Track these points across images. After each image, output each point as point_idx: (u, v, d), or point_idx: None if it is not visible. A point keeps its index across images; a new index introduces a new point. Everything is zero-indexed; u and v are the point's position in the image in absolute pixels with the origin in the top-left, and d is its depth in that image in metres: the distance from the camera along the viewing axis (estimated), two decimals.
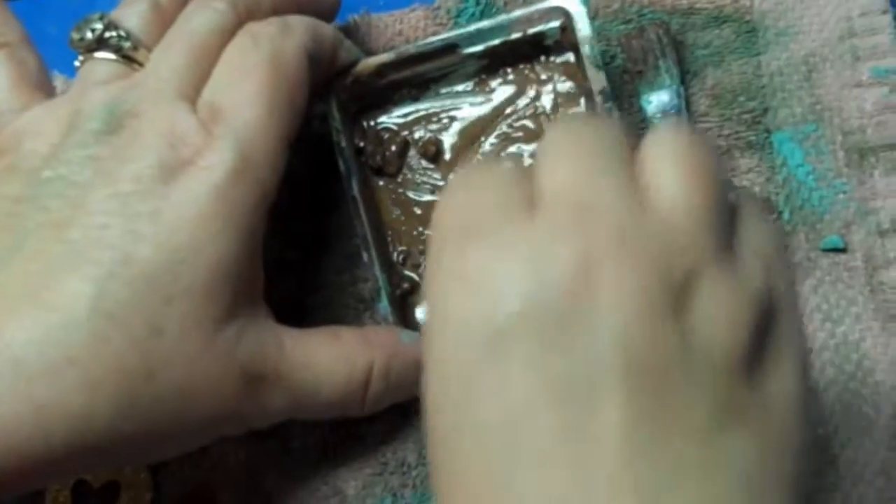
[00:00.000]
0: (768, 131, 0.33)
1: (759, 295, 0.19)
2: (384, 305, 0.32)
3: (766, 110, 0.34)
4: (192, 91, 0.28)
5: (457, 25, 0.35)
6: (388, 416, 0.32)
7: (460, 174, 0.23)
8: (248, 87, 0.28)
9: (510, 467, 0.18)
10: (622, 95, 0.34)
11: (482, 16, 0.35)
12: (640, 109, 0.34)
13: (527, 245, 0.19)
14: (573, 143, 0.21)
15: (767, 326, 0.20)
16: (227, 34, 0.29)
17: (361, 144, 0.34)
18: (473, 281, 0.19)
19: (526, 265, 0.19)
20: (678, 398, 0.18)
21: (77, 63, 0.30)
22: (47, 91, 0.31)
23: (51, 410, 0.24)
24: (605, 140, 0.21)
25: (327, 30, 0.31)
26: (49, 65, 0.32)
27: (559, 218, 0.19)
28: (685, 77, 0.34)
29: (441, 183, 0.34)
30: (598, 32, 0.35)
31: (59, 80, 0.36)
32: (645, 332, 0.18)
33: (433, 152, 0.34)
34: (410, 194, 0.34)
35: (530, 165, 0.21)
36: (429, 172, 0.34)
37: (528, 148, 0.34)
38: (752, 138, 0.33)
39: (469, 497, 0.19)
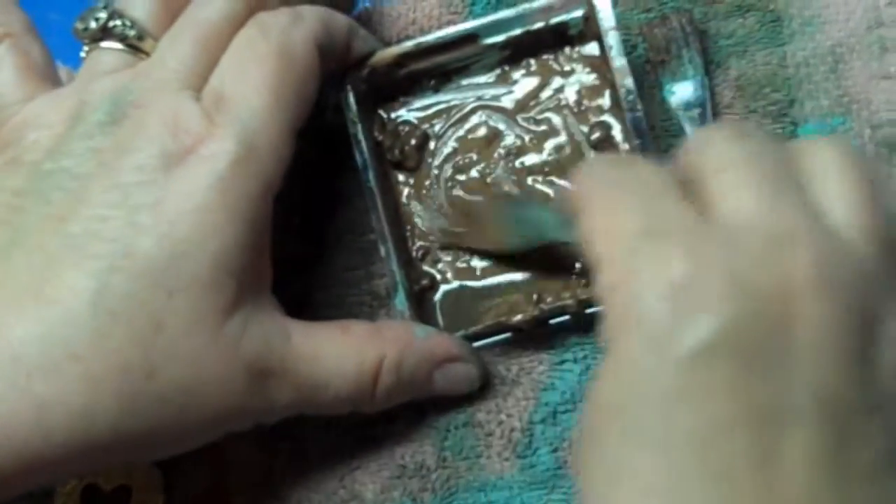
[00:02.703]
0: (795, 124, 0.33)
1: None
2: (401, 300, 0.31)
3: (792, 102, 0.33)
4: (199, 80, 0.28)
5: (472, 14, 0.34)
6: (405, 417, 0.32)
7: (600, 164, 0.24)
8: (254, 76, 0.27)
9: (694, 483, 0.19)
10: (644, 86, 0.33)
11: (498, 4, 0.34)
12: (663, 101, 0.33)
13: (728, 265, 0.20)
14: (750, 165, 0.21)
15: None
16: (238, 23, 0.28)
17: (380, 138, 0.33)
18: (677, 287, 0.20)
19: (729, 287, 0.20)
20: (859, 436, 0.19)
21: (83, 53, 0.29)
22: (53, 81, 0.30)
23: (51, 408, 0.24)
24: (779, 160, 0.21)
25: (340, 19, 0.31)
26: (54, 55, 0.31)
27: (756, 245, 0.20)
28: (708, 68, 0.33)
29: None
30: (619, 21, 0.34)
31: (62, 72, 0.35)
32: (838, 371, 0.19)
33: None
34: None
35: (677, 169, 0.22)
36: None
37: (551, 143, 0.33)
38: (779, 131, 0.33)
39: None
